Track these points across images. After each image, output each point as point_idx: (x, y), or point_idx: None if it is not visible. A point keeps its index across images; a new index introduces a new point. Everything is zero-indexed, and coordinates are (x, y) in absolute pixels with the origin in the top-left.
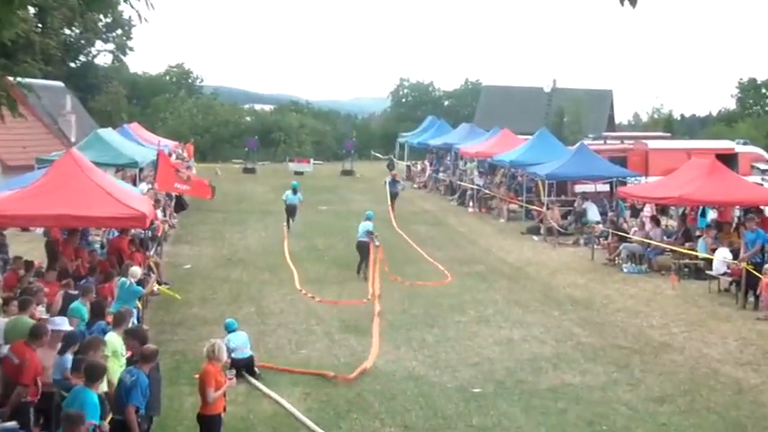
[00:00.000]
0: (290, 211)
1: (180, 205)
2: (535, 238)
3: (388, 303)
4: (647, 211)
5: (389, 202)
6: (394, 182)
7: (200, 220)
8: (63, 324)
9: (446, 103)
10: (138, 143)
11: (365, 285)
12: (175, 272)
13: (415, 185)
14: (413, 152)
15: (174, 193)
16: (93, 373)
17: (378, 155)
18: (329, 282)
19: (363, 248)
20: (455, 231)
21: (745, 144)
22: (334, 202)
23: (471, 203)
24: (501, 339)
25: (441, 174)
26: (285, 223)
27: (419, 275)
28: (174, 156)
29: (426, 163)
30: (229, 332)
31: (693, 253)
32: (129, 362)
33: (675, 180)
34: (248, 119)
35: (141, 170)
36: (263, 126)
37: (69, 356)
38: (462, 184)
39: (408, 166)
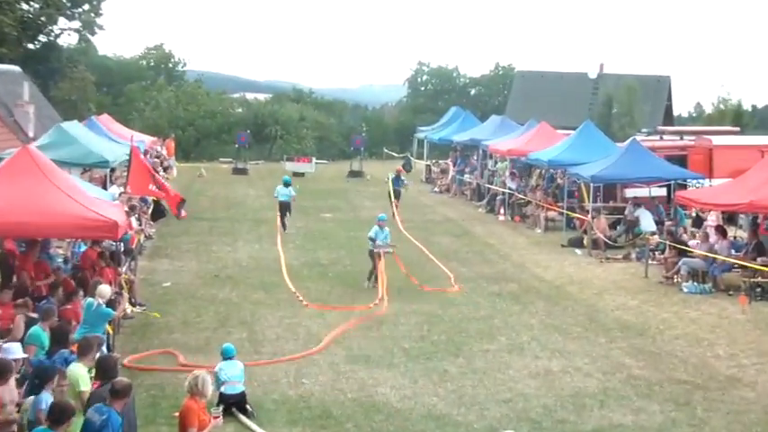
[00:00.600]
0: (283, 208)
1: (158, 212)
2: (578, 251)
3: (404, 328)
4: (712, 219)
5: (391, 200)
6: (398, 179)
7: (183, 229)
8: (15, 352)
9: (472, 91)
10: (109, 138)
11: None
12: (152, 291)
13: (436, 189)
14: (433, 149)
15: (150, 198)
16: (61, 416)
17: (392, 153)
18: (334, 302)
19: (375, 255)
20: (483, 243)
21: None
22: (339, 209)
23: (502, 210)
24: (537, 371)
25: (466, 175)
26: (278, 222)
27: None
28: (149, 155)
29: (449, 162)
30: (225, 359)
31: (767, 269)
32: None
33: (745, 183)
34: (239, 110)
35: (112, 171)
36: (257, 119)
37: (47, 395)
38: (492, 187)
39: (428, 167)
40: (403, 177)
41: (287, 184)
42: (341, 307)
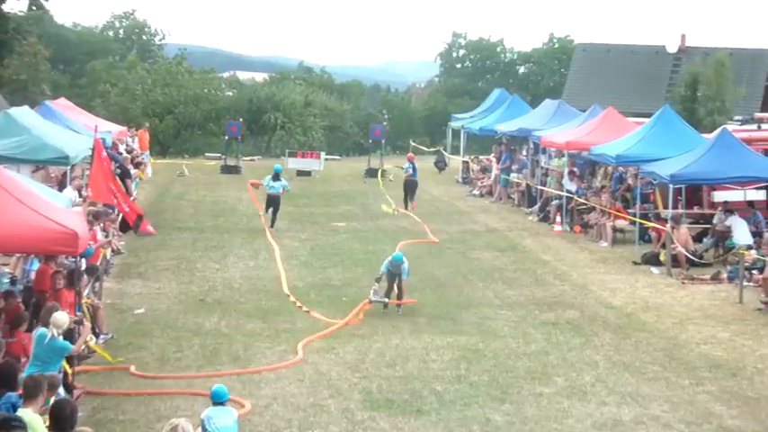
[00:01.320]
0: (272, 202)
1: (127, 223)
2: (654, 270)
3: (437, 365)
4: None
5: (406, 198)
6: (414, 167)
7: (160, 242)
8: None
9: (521, 69)
10: (68, 128)
11: (401, 333)
12: (121, 319)
13: (476, 192)
14: (472, 142)
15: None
16: None
17: (420, 147)
18: (348, 335)
19: (393, 278)
20: (535, 260)
21: None
22: (355, 217)
23: (559, 219)
24: (604, 421)
25: (513, 175)
26: (264, 215)
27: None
28: (118, 149)
29: (492, 159)
30: (215, 404)
31: None
32: None
33: None
34: (230, 93)
35: (72, 168)
36: (252, 104)
37: None
38: (545, 189)
39: (465, 164)
40: (415, 166)
41: (277, 175)
42: (351, 319)
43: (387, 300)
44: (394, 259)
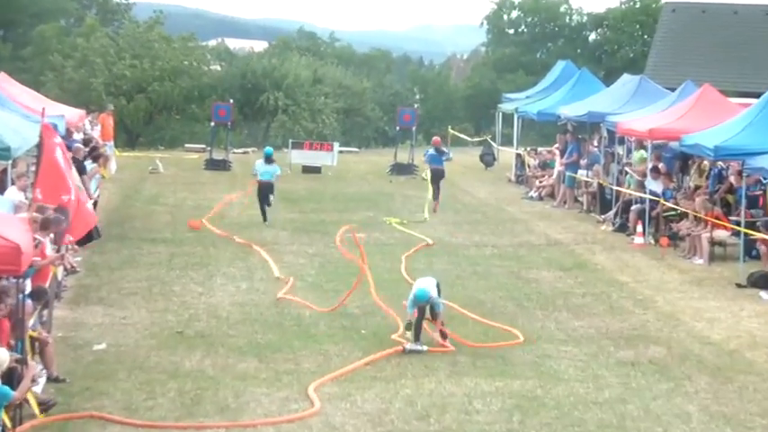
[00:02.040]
0: (264, 191)
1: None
2: (764, 295)
3: (483, 417)
4: None
5: (431, 195)
6: (439, 154)
7: (126, 257)
8: None
9: (592, 36)
10: (9, 110)
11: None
12: (77, 358)
13: (533, 194)
14: (529, 130)
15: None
16: None
17: (461, 135)
18: (368, 378)
19: (423, 312)
20: (609, 282)
21: None
22: (377, 226)
23: (640, 228)
24: None
25: (581, 171)
26: (259, 208)
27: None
28: (75, 135)
29: (554, 151)
30: None
31: None
32: None
33: None
34: (217, 66)
35: (14, 163)
36: (245, 80)
37: None
38: (623, 190)
39: (520, 158)
40: (445, 150)
41: (269, 158)
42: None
43: (425, 347)
44: (417, 297)
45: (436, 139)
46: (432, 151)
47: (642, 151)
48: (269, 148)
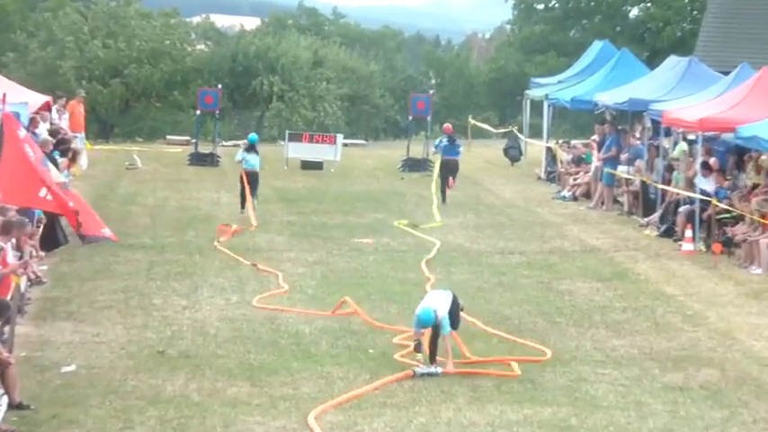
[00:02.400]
0: (254, 181)
1: (53, 237)
2: None
3: None
4: None
5: (438, 189)
6: (452, 143)
7: (99, 266)
8: None
9: (632, 11)
10: None
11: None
12: (42, 381)
13: (566, 193)
14: (561, 120)
15: (38, 211)
16: None
17: (483, 126)
18: (377, 404)
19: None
20: (653, 294)
21: None
22: (387, 230)
23: (689, 233)
24: None
25: (621, 167)
26: (249, 206)
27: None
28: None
29: (593, 144)
30: None
31: None
32: None
33: None
34: (203, 47)
35: None
36: (236, 63)
37: None
38: (669, 189)
39: (550, 152)
40: (457, 140)
41: (253, 146)
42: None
43: (439, 369)
44: (420, 320)
45: (448, 126)
46: (445, 141)
47: (683, 143)
48: (253, 135)
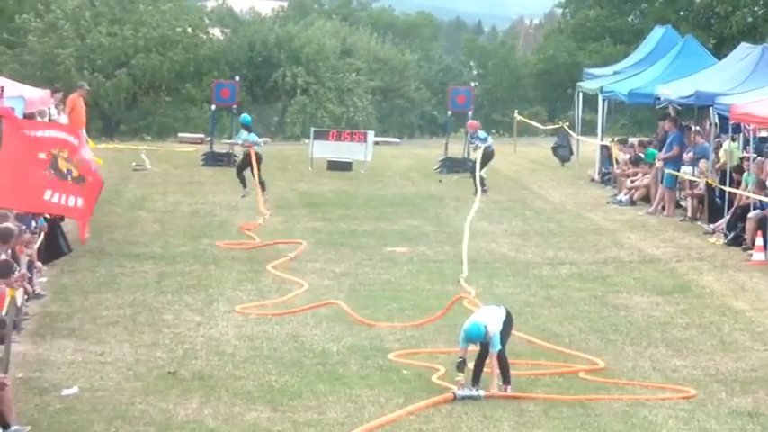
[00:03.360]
0: (259, 159)
1: (54, 246)
2: None
3: None
4: None
5: (476, 183)
6: (481, 137)
7: (104, 278)
8: None
9: None
10: None
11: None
12: (41, 405)
13: (622, 197)
14: (617, 115)
15: (40, 218)
16: None
17: (530, 122)
18: (411, 431)
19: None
20: (720, 309)
21: None
22: (424, 238)
23: (760, 241)
24: None
25: (685, 168)
26: (258, 189)
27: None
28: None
29: (654, 141)
30: None
31: None
32: None
33: None
34: (219, 34)
35: None
36: (255, 53)
37: None
38: (738, 192)
39: (605, 150)
40: (483, 135)
41: (248, 128)
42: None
43: (481, 392)
44: (469, 335)
45: (472, 122)
46: (475, 136)
47: (729, 143)
48: (246, 116)
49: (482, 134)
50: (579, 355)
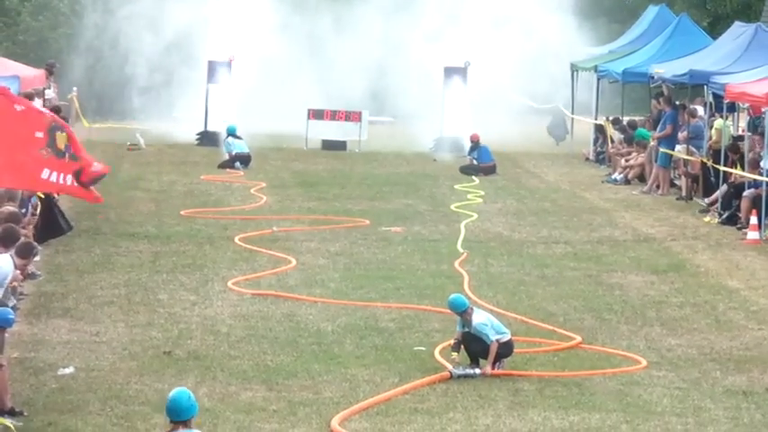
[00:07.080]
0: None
1: (50, 224)
2: None
3: None
4: None
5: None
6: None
7: (99, 258)
8: None
9: None
10: None
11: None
12: (37, 385)
13: (618, 175)
14: (612, 95)
15: (34, 197)
16: None
17: (526, 101)
18: (407, 410)
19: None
20: (713, 288)
21: None
22: (419, 218)
23: (754, 220)
24: None
25: (680, 147)
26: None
27: None
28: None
29: (648, 121)
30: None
31: None
32: None
33: None
34: None
35: None
36: None
37: None
38: (733, 171)
39: (601, 130)
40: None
41: (235, 134)
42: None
43: (477, 371)
44: (449, 302)
45: (474, 134)
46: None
47: (721, 121)
48: (232, 125)
49: (485, 147)
50: (556, 330)
